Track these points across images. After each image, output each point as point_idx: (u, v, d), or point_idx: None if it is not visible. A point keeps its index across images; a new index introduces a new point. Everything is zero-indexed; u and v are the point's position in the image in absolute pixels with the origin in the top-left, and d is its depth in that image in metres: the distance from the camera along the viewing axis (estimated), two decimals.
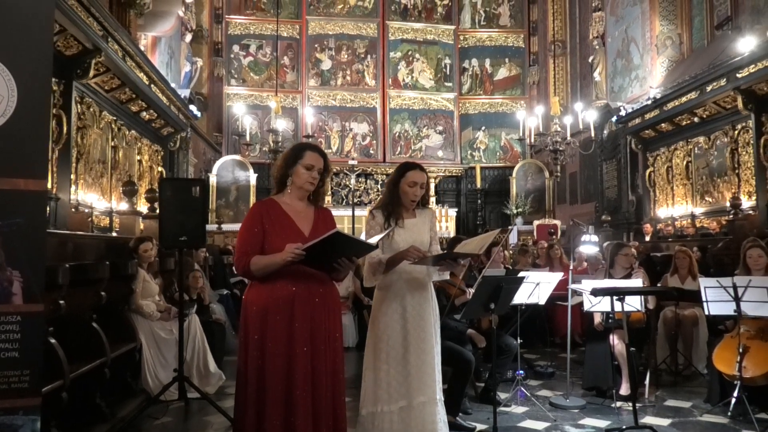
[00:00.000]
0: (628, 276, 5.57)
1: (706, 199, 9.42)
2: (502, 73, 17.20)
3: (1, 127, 2.60)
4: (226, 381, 5.70)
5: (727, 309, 4.68)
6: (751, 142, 8.15)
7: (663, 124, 10.16)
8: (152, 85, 8.92)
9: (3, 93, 2.61)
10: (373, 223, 3.50)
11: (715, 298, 4.73)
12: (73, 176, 7.09)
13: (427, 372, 3.44)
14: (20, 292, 2.61)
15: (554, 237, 11.03)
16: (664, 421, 4.69)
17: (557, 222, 13.96)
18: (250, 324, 2.94)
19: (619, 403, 5.02)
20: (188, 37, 13.56)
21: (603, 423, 4.68)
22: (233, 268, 9.80)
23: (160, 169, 10.56)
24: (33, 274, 2.63)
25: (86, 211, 7.34)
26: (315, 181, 3.07)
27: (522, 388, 5.27)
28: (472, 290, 4.69)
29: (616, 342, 5.23)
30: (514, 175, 15.83)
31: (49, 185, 5.57)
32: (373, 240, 3.13)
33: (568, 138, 10.10)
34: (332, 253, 2.87)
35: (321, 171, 3.08)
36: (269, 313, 2.90)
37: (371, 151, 16.46)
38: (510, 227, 14.44)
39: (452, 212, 15.31)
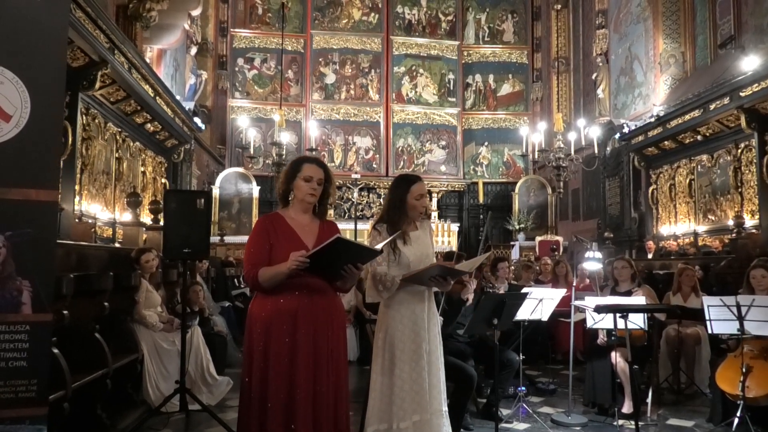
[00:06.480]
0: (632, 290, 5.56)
1: (709, 217, 9.42)
2: (506, 88, 17.28)
3: (14, 138, 2.63)
4: (228, 393, 5.68)
5: (730, 328, 4.66)
6: (755, 160, 8.16)
7: (666, 142, 10.19)
8: (157, 97, 8.96)
9: (16, 104, 2.64)
10: (380, 239, 3.43)
11: (719, 316, 4.71)
12: (77, 187, 7.13)
13: (434, 384, 3.40)
14: (29, 302, 2.62)
15: (557, 253, 10.99)
16: None
17: (559, 238, 13.95)
18: (254, 336, 2.94)
19: (621, 422, 4.98)
20: (193, 50, 13.66)
21: None
22: (235, 280, 9.92)
23: (163, 180, 10.59)
24: (42, 284, 2.64)
25: (90, 221, 7.35)
26: (316, 192, 3.08)
27: (524, 405, 5.24)
28: (473, 281, 4.63)
29: (618, 360, 5.21)
30: (516, 190, 15.85)
31: None
32: (378, 246, 3.13)
33: (571, 154, 10.14)
34: (337, 260, 2.87)
35: (321, 181, 3.08)
36: (273, 325, 2.91)
37: (374, 165, 16.50)
38: (512, 243, 14.45)
39: (454, 227, 15.31)
